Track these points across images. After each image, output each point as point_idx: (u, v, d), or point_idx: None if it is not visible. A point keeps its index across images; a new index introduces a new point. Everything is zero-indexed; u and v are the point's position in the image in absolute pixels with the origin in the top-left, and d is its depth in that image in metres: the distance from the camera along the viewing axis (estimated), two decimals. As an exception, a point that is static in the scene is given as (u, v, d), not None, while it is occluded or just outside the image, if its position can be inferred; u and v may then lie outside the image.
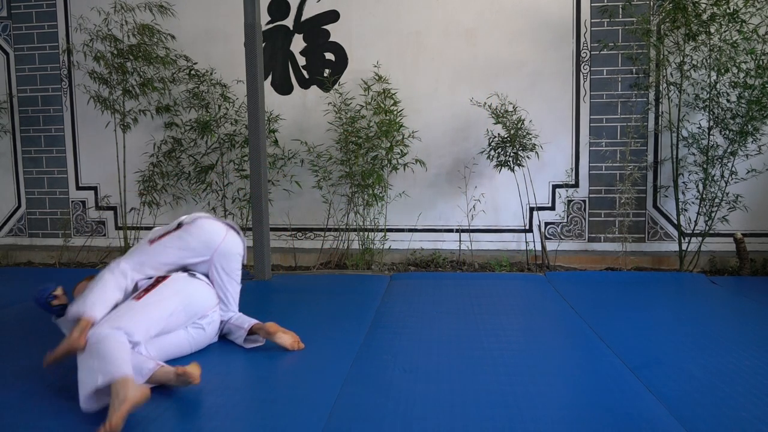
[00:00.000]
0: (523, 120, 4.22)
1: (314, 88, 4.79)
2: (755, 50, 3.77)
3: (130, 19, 4.53)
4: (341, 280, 3.92)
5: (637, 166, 4.37)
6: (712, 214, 4.10)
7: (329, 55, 4.75)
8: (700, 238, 4.14)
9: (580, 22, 4.47)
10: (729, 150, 3.98)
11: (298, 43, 4.79)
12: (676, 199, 4.18)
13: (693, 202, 4.18)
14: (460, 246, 4.60)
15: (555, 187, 4.61)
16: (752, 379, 2.04)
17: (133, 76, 4.57)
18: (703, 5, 3.85)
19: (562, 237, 4.63)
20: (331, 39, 4.73)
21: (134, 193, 4.86)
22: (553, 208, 4.63)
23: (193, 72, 4.63)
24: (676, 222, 4.25)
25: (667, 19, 4.03)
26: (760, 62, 3.75)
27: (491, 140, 4.31)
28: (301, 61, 4.80)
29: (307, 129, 4.75)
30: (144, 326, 2.03)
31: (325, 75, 4.73)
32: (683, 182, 4.26)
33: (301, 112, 4.80)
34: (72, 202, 5.21)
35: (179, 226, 2.39)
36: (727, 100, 3.96)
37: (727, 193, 4.06)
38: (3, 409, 1.84)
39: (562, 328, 2.77)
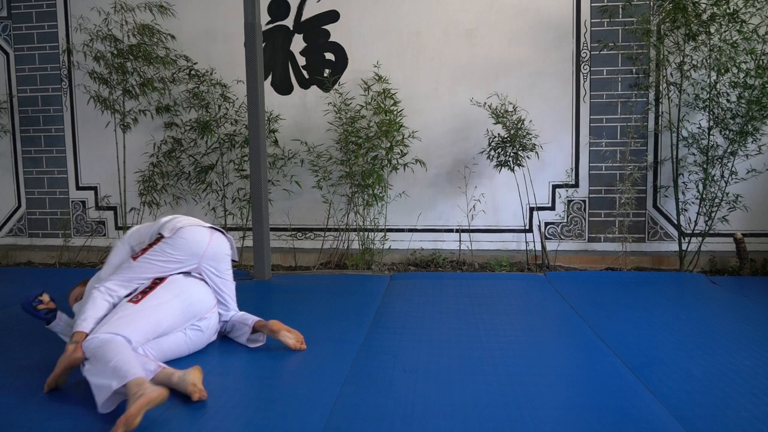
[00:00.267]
0: (523, 120, 4.22)
1: (314, 88, 4.79)
2: (755, 50, 3.77)
3: (130, 19, 4.53)
4: (341, 280, 3.92)
5: (637, 166, 4.37)
6: (712, 214, 4.10)
7: (329, 55, 4.76)
8: (700, 238, 4.14)
9: (580, 22, 4.47)
10: (729, 150, 3.98)
11: (298, 43, 4.79)
12: (676, 199, 4.18)
13: (693, 202, 4.18)
14: (460, 246, 4.60)
15: (555, 187, 4.61)
16: (752, 379, 2.04)
17: (133, 76, 4.57)
18: (703, 5, 3.85)
19: (562, 237, 4.63)
20: (331, 39, 4.74)
21: (134, 193, 4.86)
22: (553, 208, 4.64)
23: (193, 72, 4.63)
24: (676, 222, 4.25)
25: (667, 19, 4.03)
26: (760, 62, 3.75)
27: (491, 140, 4.31)
28: (301, 61, 4.80)
29: (307, 129, 4.75)
30: (142, 332, 2.04)
31: (325, 75, 4.73)
32: (683, 182, 4.27)
33: (301, 112, 4.81)
34: (72, 202, 5.22)
35: (160, 237, 2.32)
36: (727, 100, 3.96)
37: (727, 193, 4.06)
38: (3, 409, 1.84)
39: (562, 328, 2.77)
